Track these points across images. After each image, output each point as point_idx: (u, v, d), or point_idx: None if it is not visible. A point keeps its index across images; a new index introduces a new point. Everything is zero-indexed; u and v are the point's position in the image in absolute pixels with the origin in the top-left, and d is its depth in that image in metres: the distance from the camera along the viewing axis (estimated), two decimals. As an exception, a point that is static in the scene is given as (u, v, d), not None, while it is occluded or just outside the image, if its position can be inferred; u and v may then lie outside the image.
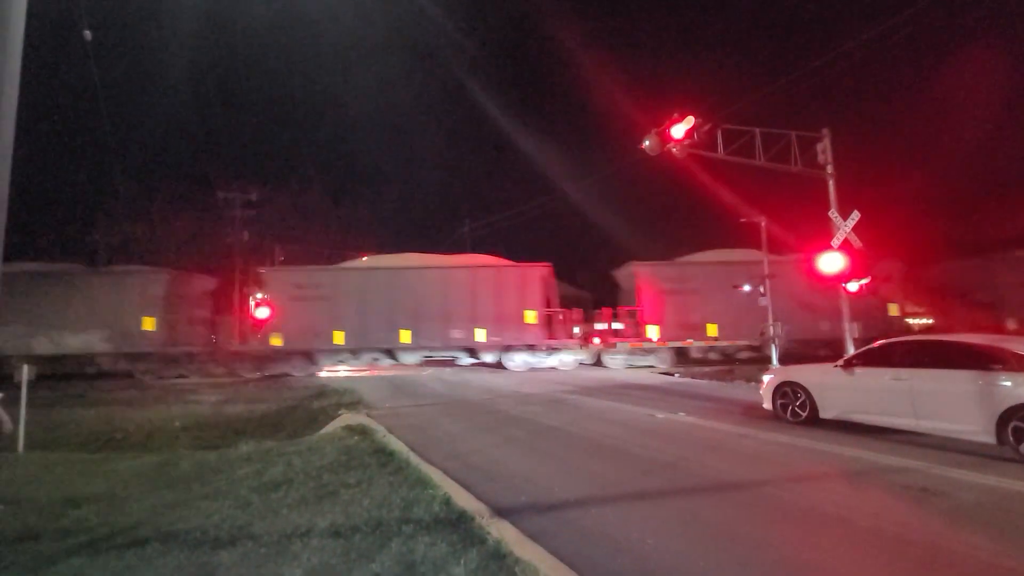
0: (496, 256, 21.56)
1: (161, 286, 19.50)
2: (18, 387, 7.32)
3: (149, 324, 18.96)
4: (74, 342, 18.51)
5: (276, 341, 18.87)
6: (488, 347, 19.40)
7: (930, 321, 21.58)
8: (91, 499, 4.82)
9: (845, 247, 9.48)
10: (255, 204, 29.19)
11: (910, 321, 21.13)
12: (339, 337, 18.96)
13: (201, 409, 11.96)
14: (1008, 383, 5.77)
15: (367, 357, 19.63)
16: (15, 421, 7.10)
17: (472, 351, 19.68)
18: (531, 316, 19.31)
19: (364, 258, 23.59)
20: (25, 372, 7.56)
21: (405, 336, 19.06)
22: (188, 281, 20.87)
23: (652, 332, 19.47)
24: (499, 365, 19.62)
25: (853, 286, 9.25)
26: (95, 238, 28.74)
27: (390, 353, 19.53)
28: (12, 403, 7.53)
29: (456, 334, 19.19)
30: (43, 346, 18.23)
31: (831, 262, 9.17)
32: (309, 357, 19.44)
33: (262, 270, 21.22)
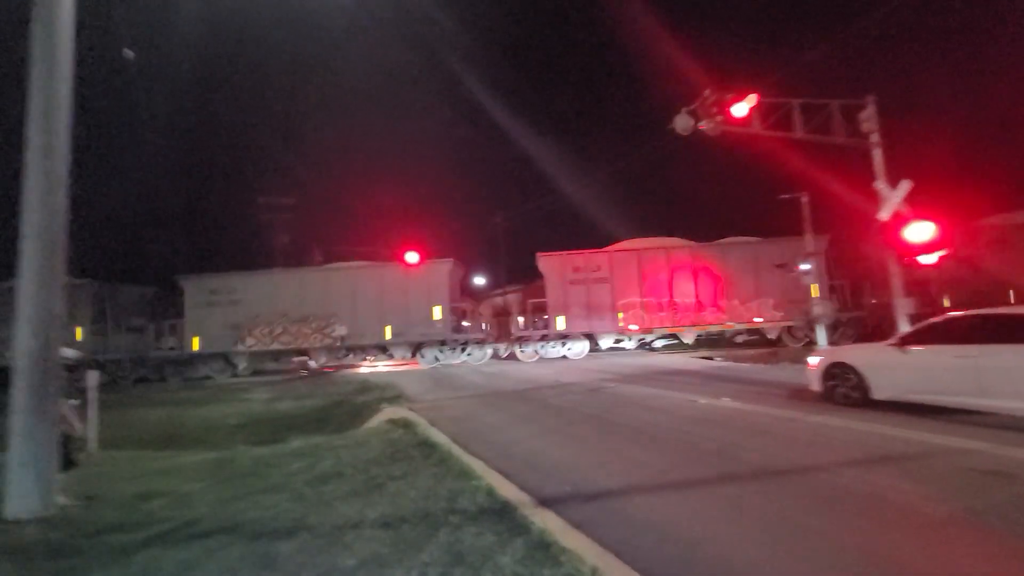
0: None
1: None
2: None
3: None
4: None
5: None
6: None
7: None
8: (159, 494, 5.13)
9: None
10: (292, 208, 30.14)
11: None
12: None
13: (254, 407, 12.52)
14: (1085, 357, 5.37)
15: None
16: (85, 422, 7.61)
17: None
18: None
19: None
20: (91, 377, 8.08)
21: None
22: None
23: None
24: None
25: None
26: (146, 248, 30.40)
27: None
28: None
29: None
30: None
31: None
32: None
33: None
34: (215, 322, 19.57)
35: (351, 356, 20.61)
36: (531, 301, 20.49)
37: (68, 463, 5.52)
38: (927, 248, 8.62)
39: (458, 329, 20.00)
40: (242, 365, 19.87)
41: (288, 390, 15.04)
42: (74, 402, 6.83)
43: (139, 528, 4.16)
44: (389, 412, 9.44)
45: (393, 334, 19.40)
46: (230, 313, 19.58)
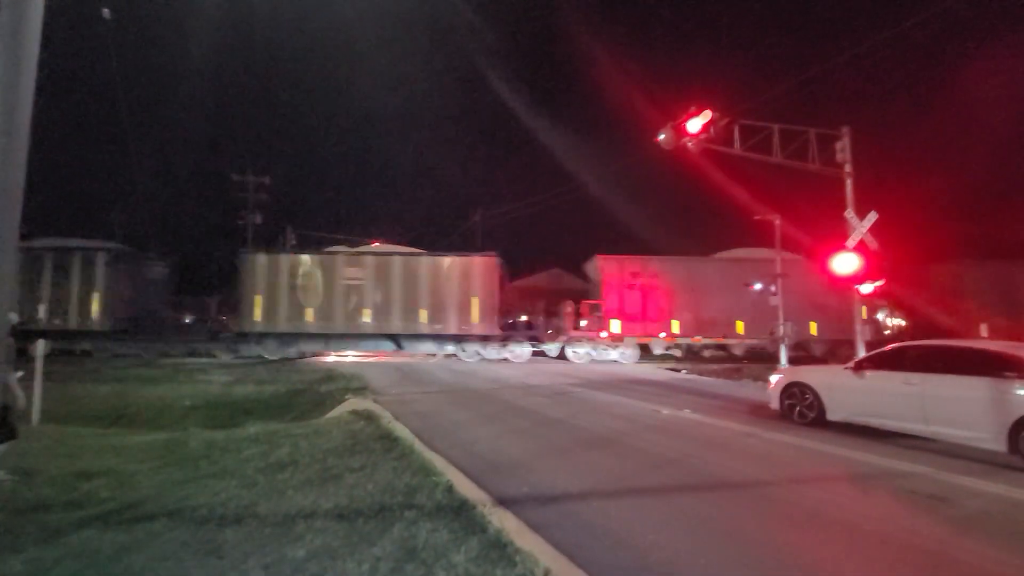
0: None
1: None
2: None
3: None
4: None
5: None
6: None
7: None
8: (101, 473, 4.91)
9: (860, 248, 9.32)
10: (268, 188, 29.37)
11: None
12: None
13: (211, 389, 12.13)
14: (1022, 391, 5.67)
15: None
16: (29, 395, 7.24)
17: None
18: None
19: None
20: (40, 347, 7.69)
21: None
22: None
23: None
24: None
25: (867, 288, 9.11)
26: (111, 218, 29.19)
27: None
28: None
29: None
30: None
31: (845, 263, 9.00)
32: None
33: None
34: None
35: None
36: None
37: (7, 435, 5.22)
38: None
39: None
40: None
41: (248, 375, 14.64)
42: (19, 373, 6.45)
43: (76, 507, 3.97)
44: (353, 403, 9.28)
45: None
46: None
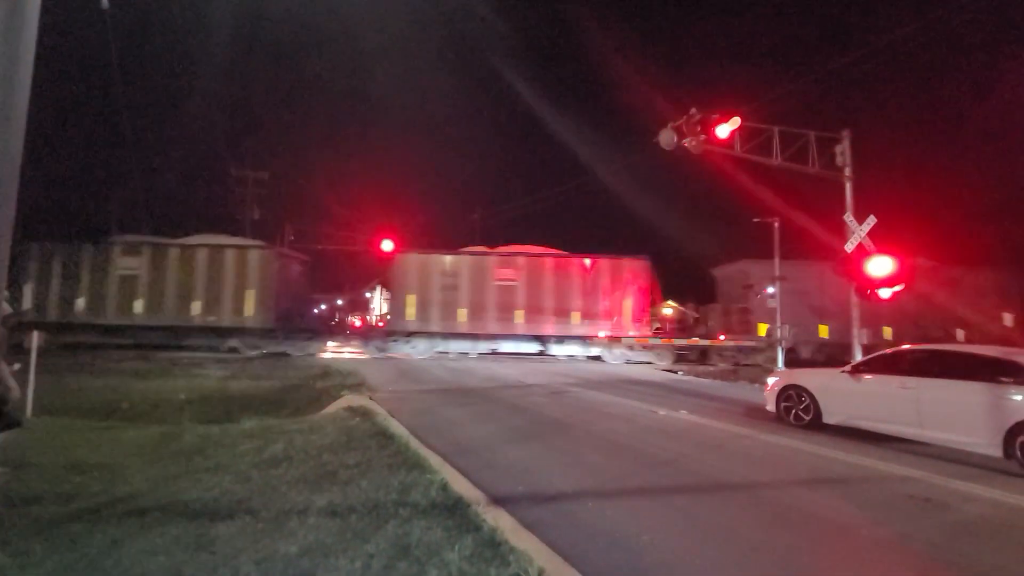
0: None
1: None
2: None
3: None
4: None
5: None
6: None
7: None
8: (94, 466, 4.88)
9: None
10: (267, 183, 29.32)
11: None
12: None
13: (206, 383, 12.09)
14: (1018, 397, 5.68)
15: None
16: (24, 387, 7.19)
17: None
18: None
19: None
20: (35, 339, 7.65)
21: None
22: None
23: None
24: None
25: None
26: (109, 210, 29.09)
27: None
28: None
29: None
30: None
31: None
32: None
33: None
34: None
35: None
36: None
37: (6, 424, 5.18)
38: (886, 282, 8.98)
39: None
40: None
41: (244, 369, 14.59)
42: (16, 366, 6.42)
43: (69, 500, 3.95)
44: (349, 400, 9.26)
45: None
46: None
